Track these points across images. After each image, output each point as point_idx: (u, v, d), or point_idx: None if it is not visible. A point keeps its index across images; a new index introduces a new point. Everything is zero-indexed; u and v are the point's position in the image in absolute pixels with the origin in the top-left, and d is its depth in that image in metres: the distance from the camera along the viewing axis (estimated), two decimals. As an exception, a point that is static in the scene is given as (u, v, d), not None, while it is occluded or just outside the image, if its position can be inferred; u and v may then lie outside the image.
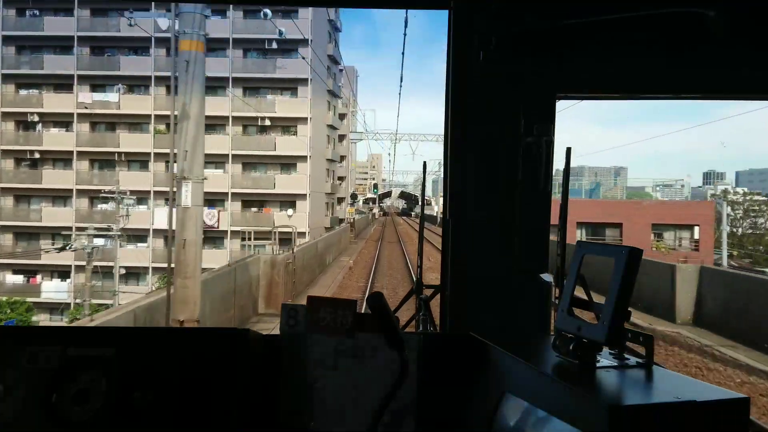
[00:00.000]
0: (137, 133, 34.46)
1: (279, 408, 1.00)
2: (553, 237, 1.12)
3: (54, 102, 33.86)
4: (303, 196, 34.60)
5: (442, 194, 1.28)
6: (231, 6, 27.19)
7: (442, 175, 1.26)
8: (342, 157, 53.37)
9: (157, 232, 33.31)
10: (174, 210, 8.91)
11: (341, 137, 55.98)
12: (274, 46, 32.07)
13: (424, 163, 2.14)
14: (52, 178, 33.81)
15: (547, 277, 1.18)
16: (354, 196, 48.69)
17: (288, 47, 32.08)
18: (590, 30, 1.14)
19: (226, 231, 33.61)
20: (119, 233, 25.99)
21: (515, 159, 1.19)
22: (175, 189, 8.73)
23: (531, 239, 1.20)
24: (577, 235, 26.39)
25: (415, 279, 1.85)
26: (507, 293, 1.20)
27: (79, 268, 30.88)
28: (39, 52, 34.11)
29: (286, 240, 35.67)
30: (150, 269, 32.84)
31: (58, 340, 0.95)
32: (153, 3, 20.24)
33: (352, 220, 39.27)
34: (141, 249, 33.45)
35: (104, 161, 34.26)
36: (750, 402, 0.75)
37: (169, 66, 35.90)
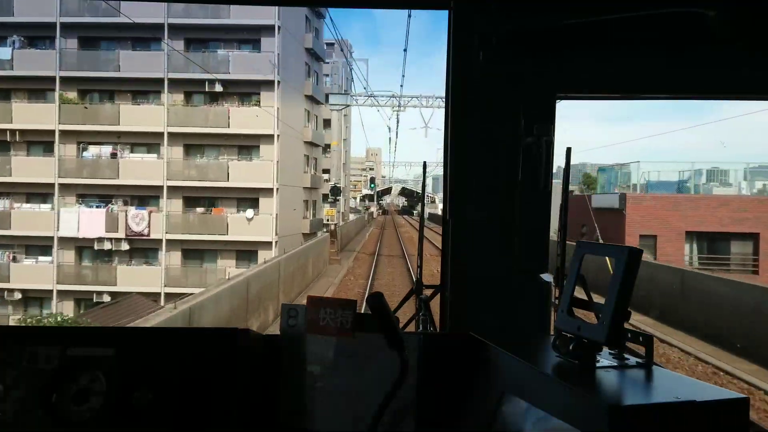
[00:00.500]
0: (41, 103, 32.82)
1: (279, 408, 1.29)
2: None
3: None
4: (269, 191, 33.29)
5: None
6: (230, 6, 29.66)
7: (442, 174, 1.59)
8: (326, 148, 53.97)
9: (66, 241, 32.53)
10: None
11: (326, 122, 55.90)
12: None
13: (424, 163, 2.58)
14: None
15: (547, 277, 1.48)
16: (336, 191, 47.36)
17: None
18: (590, 30, 1.42)
19: (161, 240, 33.04)
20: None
21: (515, 159, 1.48)
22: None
23: (531, 239, 1.50)
24: (685, 251, 24.44)
25: (415, 280, 2.23)
26: (507, 293, 1.50)
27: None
28: None
29: (248, 253, 36.09)
30: (54, 293, 31.75)
31: (58, 340, 1.23)
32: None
33: (333, 227, 37.50)
34: (42, 265, 32.44)
35: (-10, 142, 32.98)
36: (750, 402, 0.96)
37: (85, 10, 36.08)
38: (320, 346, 1.31)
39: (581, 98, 1.61)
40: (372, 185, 72.36)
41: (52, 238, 32.73)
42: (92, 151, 33.78)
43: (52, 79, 32.98)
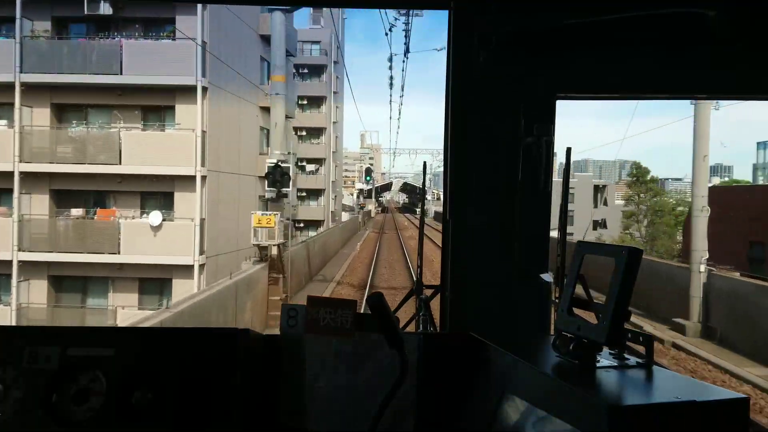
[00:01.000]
0: None
1: (279, 408, 1.31)
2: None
3: None
4: (189, 182, 20.25)
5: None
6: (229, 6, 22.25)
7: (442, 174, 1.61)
8: (313, 132, 46.27)
9: None
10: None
11: (315, 100, 47.59)
12: None
13: (424, 163, 2.73)
14: None
15: (547, 277, 1.50)
16: (280, 177, 18.22)
17: None
18: (590, 30, 1.44)
19: (10, 262, 19.85)
20: None
21: (515, 159, 1.50)
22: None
23: (531, 239, 1.52)
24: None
25: (415, 280, 2.26)
26: (507, 293, 1.52)
27: None
28: None
29: (157, 283, 21.39)
30: None
31: (58, 340, 1.24)
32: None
33: (274, 250, 18.09)
34: None
35: None
36: (750, 402, 0.96)
37: None
38: (320, 346, 1.31)
39: (581, 98, 1.63)
40: (368, 177, 58.11)
41: None
42: None
43: None
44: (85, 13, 19.64)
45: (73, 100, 20.93)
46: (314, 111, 51.38)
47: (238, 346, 1.25)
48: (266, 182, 18.85)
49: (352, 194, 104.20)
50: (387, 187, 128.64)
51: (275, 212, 17.78)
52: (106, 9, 19.78)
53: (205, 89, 20.37)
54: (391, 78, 38.71)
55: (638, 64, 1.50)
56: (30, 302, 20.49)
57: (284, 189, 18.44)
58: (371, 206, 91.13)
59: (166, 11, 20.56)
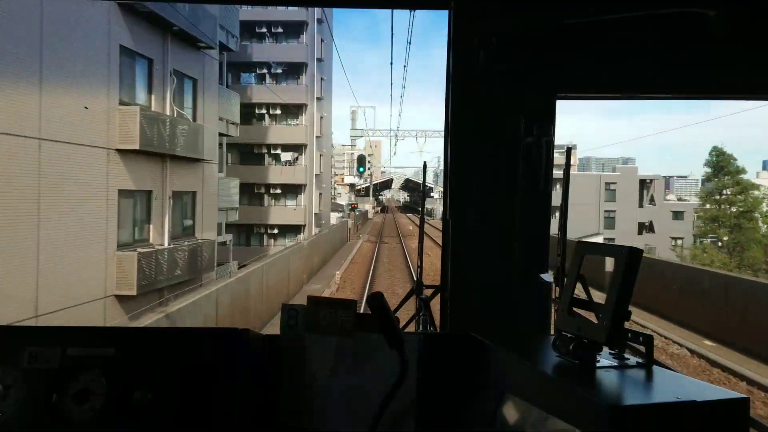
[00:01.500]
0: None
1: (279, 408, 1.31)
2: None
3: None
4: None
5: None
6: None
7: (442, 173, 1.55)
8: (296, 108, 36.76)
9: None
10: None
11: (294, 69, 39.09)
12: None
13: (424, 163, 2.65)
14: None
15: (547, 276, 1.50)
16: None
17: None
18: (590, 30, 1.44)
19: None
20: None
21: (515, 159, 1.51)
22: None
23: (531, 239, 1.52)
24: None
25: (415, 280, 2.27)
26: (507, 293, 1.52)
27: None
28: None
29: None
30: None
31: (58, 340, 1.24)
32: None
33: None
34: None
35: None
36: (750, 402, 0.96)
37: None
38: (320, 346, 1.32)
39: (581, 98, 1.63)
40: (361, 168, 44.14)
41: None
42: None
43: None
44: None
45: None
46: (292, 83, 39.69)
47: (238, 346, 1.26)
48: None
49: (341, 193, 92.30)
50: (387, 184, 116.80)
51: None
52: None
53: None
54: (392, 35, 27.66)
55: (638, 64, 1.51)
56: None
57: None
58: (368, 206, 78.95)
59: None
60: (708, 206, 40.31)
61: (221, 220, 23.92)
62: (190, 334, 1.31)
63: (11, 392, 1.19)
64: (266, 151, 39.79)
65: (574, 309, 1.17)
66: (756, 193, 38.40)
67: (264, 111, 39.28)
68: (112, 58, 14.50)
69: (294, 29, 38.59)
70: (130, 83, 15.76)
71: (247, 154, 40.48)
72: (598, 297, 1.11)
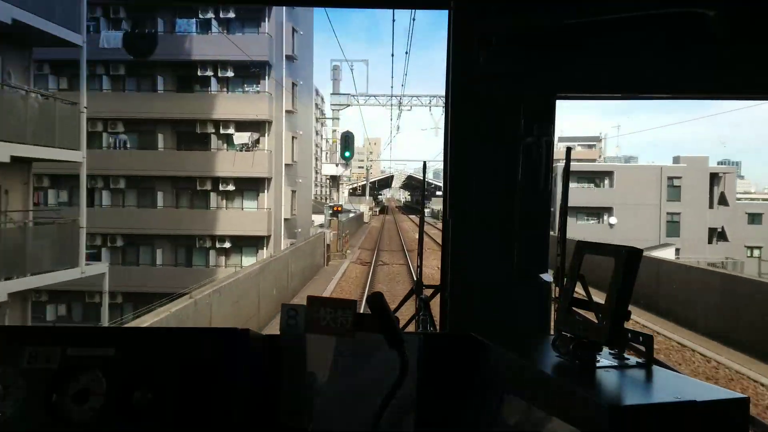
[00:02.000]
0: None
1: (279, 408, 1.30)
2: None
3: None
4: None
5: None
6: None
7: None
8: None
9: None
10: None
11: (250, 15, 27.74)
12: None
13: (424, 163, 2.73)
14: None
15: (547, 276, 1.50)
16: None
17: None
18: (590, 30, 1.44)
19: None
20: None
21: (515, 159, 1.50)
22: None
23: (531, 239, 1.51)
24: None
25: (415, 279, 2.26)
26: (507, 293, 1.51)
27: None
28: None
29: None
30: None
31: (58, 340, 1.24)
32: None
33: None
34: None
35: None
36: (750, 402, 0.96)
37: None
38: (320, 346, 1.31)
39: (581, 98, 1.63)
40: (347, 153, 30.46)
41: None
42: None
43: None
44: None
45: None
46: (251, 31, 27.94)
47: (238, 346, 1.26)
48: None
49: (354, 190, 78.93)
50: (386, 182, 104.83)
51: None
52: None
53: None
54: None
55: (638, 64, 1.51)
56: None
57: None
58: (364, 207, 66.60)
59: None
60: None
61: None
62: (190, 334, 1.31)
63: (11, 392, 1.20)
64: (213, 130, 27.94)
65: (574, 309, 1.17)
66: None
67: (209, 72, 27.42)
68: None
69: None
70: None
71: (187, 135, 28.43)
72: (602, 298, 1.09)
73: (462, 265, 1.55)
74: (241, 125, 27.60)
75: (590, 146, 67.58)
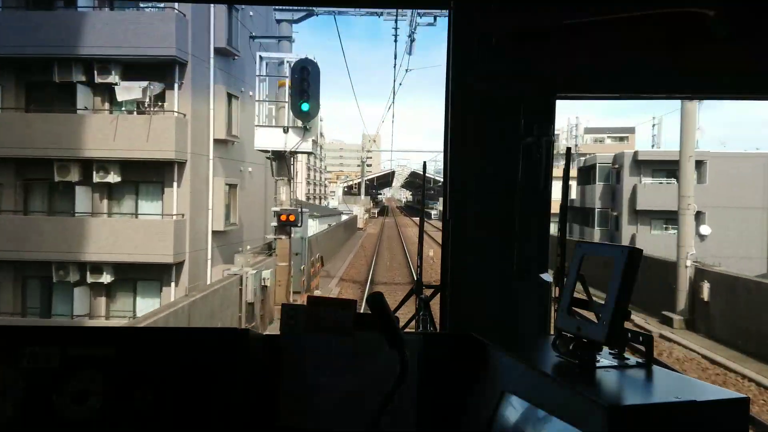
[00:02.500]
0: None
1: (279, 408, 1.31)
2: None
3: None
4: None
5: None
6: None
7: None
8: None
9: None
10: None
11: None
12: None
13: (424, 163, 2.68)
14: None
15: (547, 276, 1.50)
16: None
17: None
18: (590, 30, 1.45)
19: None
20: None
21: (515, 159, 1.50)
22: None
23: (531, 239, 1.52)
24: None
25: (415, 279, 2.26)
26: (507, 293, 1.51)
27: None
28: None
29: None
30: None
31: (58, 340, 1.25)
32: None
33: None
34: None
35: None
36: (750, 402, 0.95)
37: None
38: (320, 346, 1.32)
39: (581, 98, 1.65)
40: (304, 105, 12.74)
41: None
42: None
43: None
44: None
45: None
46: None
47: (238, 346, 1.27)
48: None
49: (350, 188, 67.22)
50: (386, 180, 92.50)
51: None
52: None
53: None
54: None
55: (638, 64, 1.51)
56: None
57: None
58: (358, 209, 54.63)
59: None
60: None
61: None
62: (189, 334, 1.33)
63: (11, 392, 1.21)
64: (83, 77, 16.14)
65: (574, 309, 1.17)
66: None
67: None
68: None
69: None
70: None
71: (39, 86, 16.58)
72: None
73: (462, 265, 1.57)
74: (132, 69, 15.80)
75: (621, 139, 57.05)
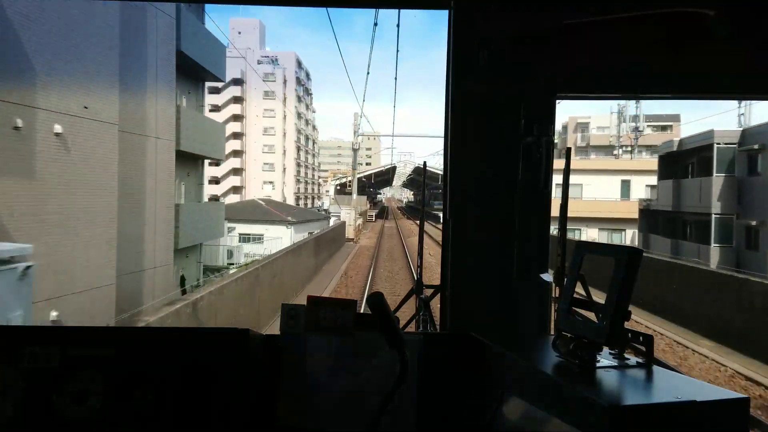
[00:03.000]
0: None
1: (279, 408, 1.32)
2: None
3: None
4: None
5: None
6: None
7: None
8: None
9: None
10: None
11: None
12: None
13: (425, 162, 2.72)
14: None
15: (547, 276, 1.52)
16: None
17: None
18: (590, 30, 1.47)
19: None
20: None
21: (515, 159, 1.52)
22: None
23: (531, 239, 1.53)
24: None
25: (415, 278, 2.28)
26: (507, 293, 1.53)
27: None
28: None
29: None
30: None
31: (58, 340, 1.26)
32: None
33: None
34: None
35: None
36: (750, 402, 0.97)
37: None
38: (320, 346, 1.33)
39: (581, 98, 1.66)
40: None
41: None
42: None
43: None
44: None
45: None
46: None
47: (238, 346, 1.27)
48: None
49: (343, 186, 55.52)
50: (386, 177, 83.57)
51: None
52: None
53: None
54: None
55: (638, 64, 1.52)
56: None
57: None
58: (347, 212, 41.29)
59: None
60: None
61: None
62: (189, 334, 1.32)
63: (11, 392, 1.21)
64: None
65: (574, 309, 1.17)
66: None
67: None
68: None
69: None
70: None
71: None
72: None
73: (462, 265, 1.57)
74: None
75: (664, 128, 51.26)
